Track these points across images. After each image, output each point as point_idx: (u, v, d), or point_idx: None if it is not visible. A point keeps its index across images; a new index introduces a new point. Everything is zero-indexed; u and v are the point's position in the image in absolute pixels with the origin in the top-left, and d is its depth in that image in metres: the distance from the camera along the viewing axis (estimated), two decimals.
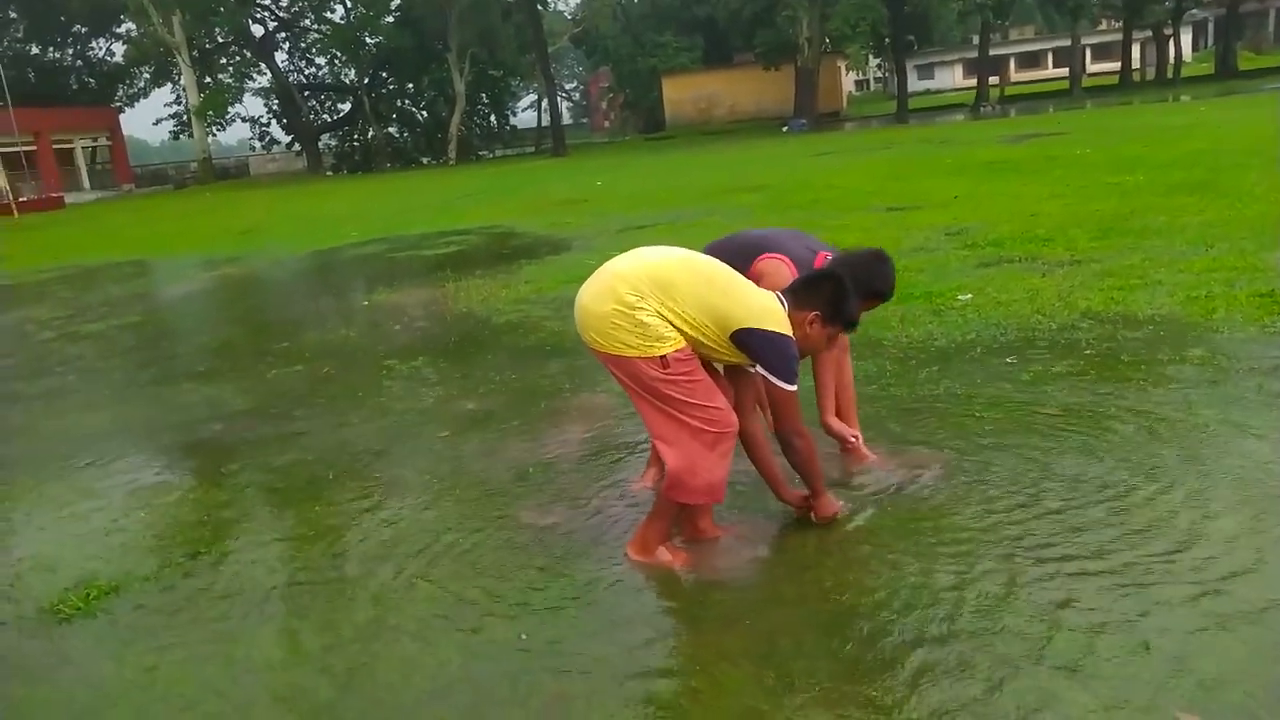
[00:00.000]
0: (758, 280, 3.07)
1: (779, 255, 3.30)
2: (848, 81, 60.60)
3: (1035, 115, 27.44)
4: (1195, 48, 59.71)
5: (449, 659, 2.55)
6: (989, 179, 12.22)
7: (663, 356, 2.68)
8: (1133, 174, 10.75)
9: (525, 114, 63.41)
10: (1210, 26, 51.59)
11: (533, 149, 48.72)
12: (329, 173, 43.56)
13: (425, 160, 44.67)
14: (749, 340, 2.75)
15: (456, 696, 2.39)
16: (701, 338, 2.73)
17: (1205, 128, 15.78)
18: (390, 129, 47.31)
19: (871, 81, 75.30)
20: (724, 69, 49.08)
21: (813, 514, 3.06)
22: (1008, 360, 4.61)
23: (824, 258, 3.33)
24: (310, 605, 2.92)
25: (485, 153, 47.10)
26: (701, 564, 2.93)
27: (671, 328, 2.70)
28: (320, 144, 46.83)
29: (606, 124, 65.02)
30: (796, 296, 2.87)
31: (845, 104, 51.54)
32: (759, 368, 2.79)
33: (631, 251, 2.86)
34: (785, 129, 35.49)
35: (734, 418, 2.81)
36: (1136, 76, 42.59)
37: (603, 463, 3.83)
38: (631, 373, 2.75)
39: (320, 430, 4.68)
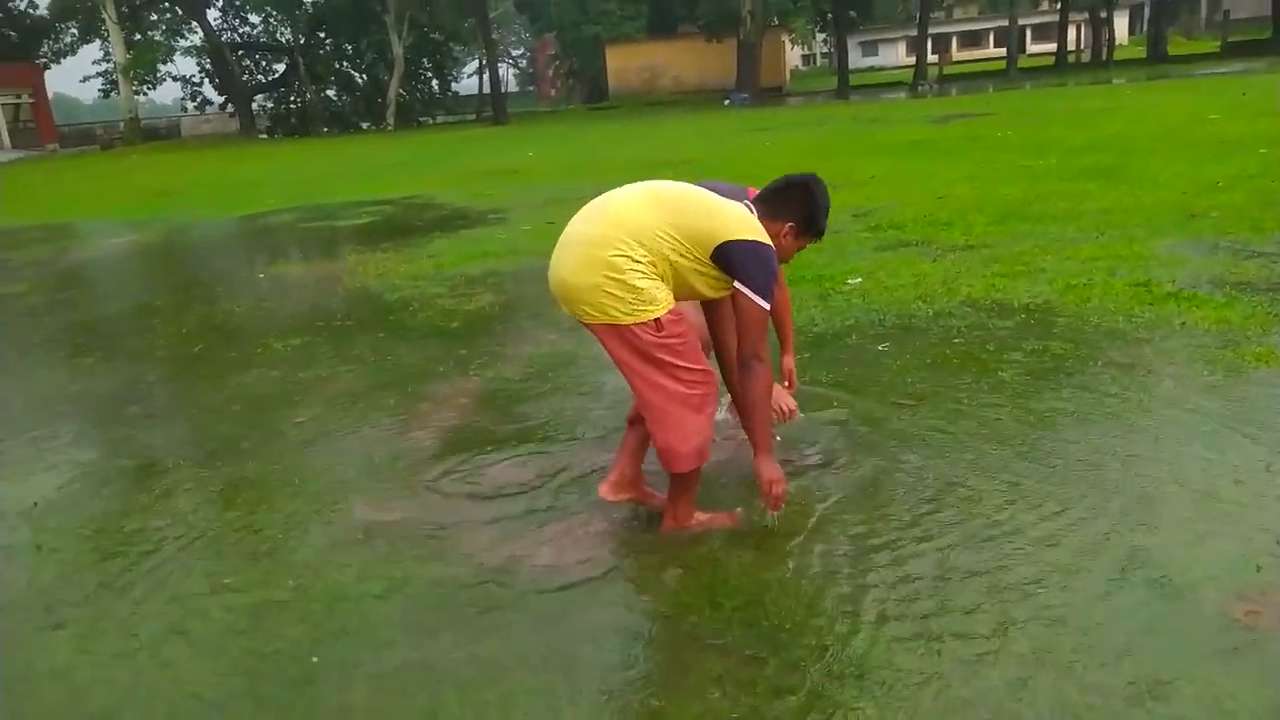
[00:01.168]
0: None
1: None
2: (793, 56, 60.62)
3: (970, 95, 27.67)
4: (1131, 31, 60.75)
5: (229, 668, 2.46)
6: (909, 159, 12.26)
7: (657, 319, 2.64)
8: (1046, 157, 10.86)
9: (470, 80, 62.42)
10: (1145, 10, 52.38)
11: (474, 116, 47.94)
12: (263, 135, 42.33)
13: (365, 125, 43.68)
14: (732, 253, 2.66)
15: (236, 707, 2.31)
16: (689, 264, 2.66)
17: (1125, 112, 16.00)
18: (328, 92, 46.15)
19: (818, 57, 75.31)
20: (668, 40, 48.61)
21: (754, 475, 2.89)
22: (880, 348, 4.61)
23: (752, 193, 3.16)
24: (97, 612, 2.78)
25: (427, 119, 46.23)
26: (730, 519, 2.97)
27: (661, 285, 2.65)
28: (255, 106, 45.55)
29: (553, 92, 64.24)
30: (768, 206, 2.82)
31: (789, 79, 51.40)
32: (738, 283, 2.69)
33: (590, 210, 2.74)
34: (727, 102, 35.28)
35: (716, 376, 2.81)
36: (1072, 58, 43.11)
37: (460, 453, 3.74)
38: (626, 340, 2.68)
39: (171, 414, 4.51)
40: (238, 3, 45.21)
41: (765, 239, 2.71)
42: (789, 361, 3.50)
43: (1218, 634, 2.24)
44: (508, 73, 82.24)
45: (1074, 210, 7.64)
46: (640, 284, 2.61)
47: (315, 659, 2.46)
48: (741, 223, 2.70)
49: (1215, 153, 10.07)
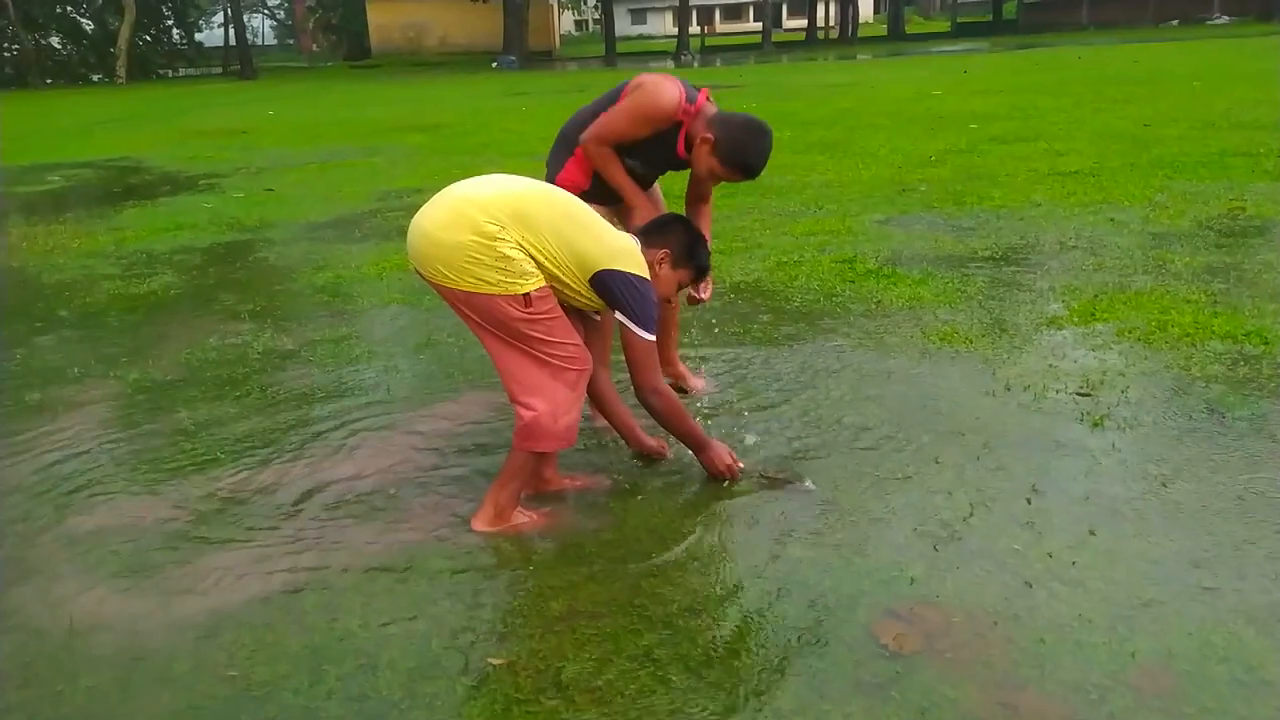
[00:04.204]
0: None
1: (670, 78, 2.96)
2: (565, 21, 60.12)
3: (730, 67, 28.28)
4: (876, 10, 64.70)
5: None
6: None
7: (526, 294, 2.43)
8: (781, 130, 10.94)
9: (220, 31, 57.40)
10: None
11: (221, 70, 44.20)
12: None
13: (96, 78, 39.21)
14: (610, 282, 2.53)
15: None
16: (562, 276, 2.51)
17: (861, 87, 16.74)
18: (52, 40, 41.05)
19: (590, 23, 75.22)
20: None
21: (707, 468, 2.84)
22: None
23: (705, 94, 2.98)
24: None
25: (167, 72, 42.20)
26: (559, 522, 2.70)
27: (533, 263, 2.45)
28: None
29: (315, 48, 60.36)
30: (648, 237, 2.71)
31: (558, 44, 50.94)
32: (619, 314, 2.57)
33: (483, 177, 2.59)
34: (495, 65, 34.43)
35: (589, 354, 2.62)
36: (822, 34, 45.26)
37: (64, 466, 3.11)
38: (487, 311, 2.46)
39: None
40: None
41: (645, 272, 2.59)
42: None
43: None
44: (263, 24, 76.70)
45: (799, 183, 7.71)
46: (511, 253, 2.41)
47: None
48: (626, 254, 2.57)
49: (932, 127, 10.59)
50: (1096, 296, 4.40)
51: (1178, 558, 2.36)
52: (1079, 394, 3.35)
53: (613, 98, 3.02)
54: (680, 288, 2.83)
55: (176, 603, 2.40)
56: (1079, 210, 6.20)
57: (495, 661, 2.09)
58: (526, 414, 2.53)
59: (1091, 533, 2.48)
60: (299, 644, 2.19)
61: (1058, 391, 3.38)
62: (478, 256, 2.40)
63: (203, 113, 19.11)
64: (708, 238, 3.26)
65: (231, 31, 44.33)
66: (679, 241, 2.73)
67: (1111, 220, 5.87)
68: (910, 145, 9.36)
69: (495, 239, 2.39)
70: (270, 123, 16.23)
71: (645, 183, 3.16)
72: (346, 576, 2.45)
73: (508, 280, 2.41)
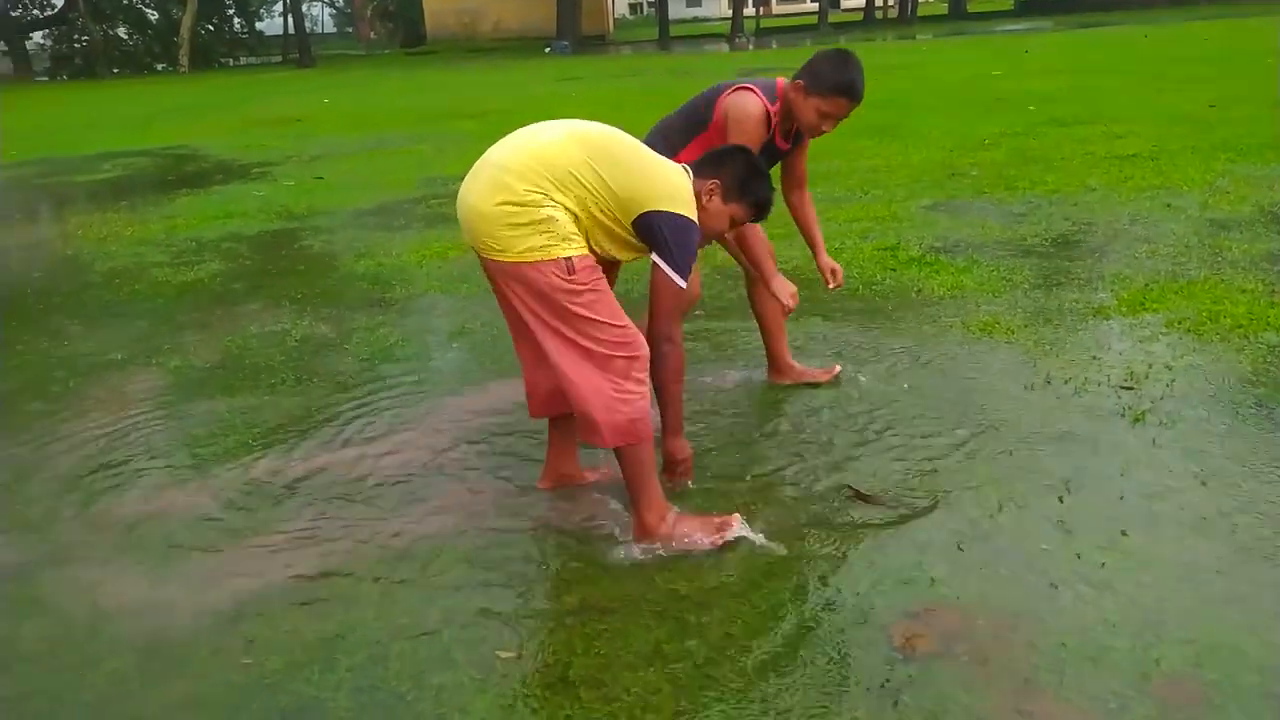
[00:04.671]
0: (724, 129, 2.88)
1: (747, 87, 2.92)
2: (620, 5, 59.93)
3: (786, 49, 27.92)
4: None
5: None
6: None
7: (568, 258, 2.31)
8: None
9: (279, 20, 58.31)
10: None
11: (281, 59, 44.89)
12: (42, 78, 38.26)
13: (160, 67, 40.08)
14: (653, 223, 2.37)
15: None
16: (606, 222, 2.36)
17: (918, 68, 16.39)
18: (119, 30, 42.04)
19: (644, 6, 74.86)
20: None
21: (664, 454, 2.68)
22: None
23: (781, 82, 2.95)
24: None
25: (228, 61, 42.99)
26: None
27: (575, 225, 2.33)
28: (33, 45, 41.01)
29: (372, 35, 61.06)
30: (700, 168, 2.54)
31: (612, 28, 50.76)
32: (656, 257, 2.41)
33: (515, 138, 2.42)
34: (548, 50, 34.42)
35: (643, 340, 2.42)
36: (880, 14, 44.46)
37: (99, 452, 3.18)
38: (529, 283, 2.33)
39: None
40: None
41: (692, 213, 2.42)
42: (825, 260, 3.27)
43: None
44: (323, 12, 77.69)
45: (847, 168, 7.58)
46: (551, 213, 2.30)
47: None
48: (674, 191, 2.40)
49: (988, 109, 10.34)
50: (1147, 285, 4.25)
51: (1211, 562, 2.27)
52: (1122, 388, 3.24)
53: (700, 114, 2.95)
54: (734, 223, 2.60)
55: (201, 589, 2.43)
56: (1135, 195, 5.99)
57: (504, 655, 2.08)
58: (576, 409, 2.41)
59: (1124, 533, 2.40)
60: (314, 633, 2.21)
61: (1099, 385, 3.27)
62: (516, 221, 2.29)
63: (260, 101, 19.41)
64: (813, 227, 3.29)
65: (291, 20, 45.06)
66: (732, 173, 2.52)
67: (1168, 206, 5.67)
68: (964, 128, 9.15)
69: (529, 201, 2.29)
70: (325, 111, 16.44)
71: None
72: (366, 566, 2.47)
73: (550, 243, 2.29)
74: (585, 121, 2.46)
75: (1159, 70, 13.10)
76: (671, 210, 2.37)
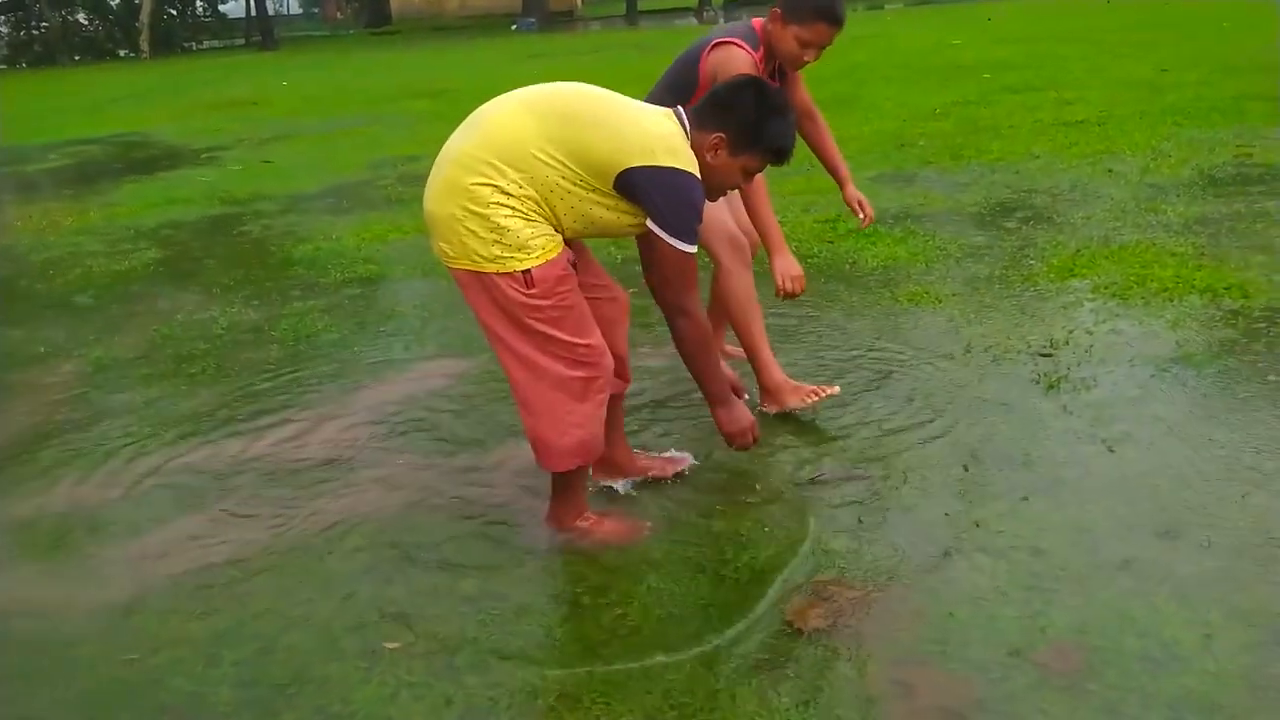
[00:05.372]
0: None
1: (728, 40, 2.72)
2: None
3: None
4: None
5: None
6: None
7: (526, 272, 2.07)
8: None
9: (244, 2, 57.36)
10: None
11: (244, 41, 44.21)
12: (0, 66, 37.54)
13: (123, 53, 39.37)
14: (635, 183, 2.07)
15: None
16: (588, 195, 2.10)
17: (879, 39, 16.28)
18: (79, 16, 41.26)
19: None
20: None
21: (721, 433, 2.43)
22: None
23: (758, 22, 2.80)
24: None
25: (190, 45, 42.31)
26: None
27: (540, 226, 2.09)
28: None
29: (339, 15, 60.20)
30: (699, 115, 2.19)
31: (580, 3, 50.30)
32: (650, 222, 2.13)
33: (468, 121, 2.17)
34: (514, 27, 34.07)
35: (609, 359, 2.22)
36: None
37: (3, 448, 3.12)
38: (489, 294, 2.12)
39: None
40: None
41: (685, 163, 2.11)
42: (852, 191, 3.12)
43: None
44: None
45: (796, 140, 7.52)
46: (507, 223, 2.06)
47: None
48: (652, 142, 2.09)
49: (945, 79, 10.30)
50: (1078, 251, 4.25)
51: (1111, 527, 2.26)
52: (1040, 354, 3.23)
53: (684, 77, 2.77)
54: (749, 175, 2.27)
55: (98, 586, 2.39)
56: (1077, 161, 5.99)
57: (390, 645, 2.05)
58: (528, 431, 2.25)
59: (1025, 499, 2.39)
60: (204, 627, 2.17)
61: (1019, 353, 3.27)
62: (472, 228, 2.08)
63: (218, 85, 19.09)
64: (834, 157, 3.09)
65: (252, 2, 44.34)
66: (740, 119, 2.16)
67: (1109, 171, 5.67)
68: (919, 98, 9.11)
69: (486, 204, 2.06)
70: (282, 93, 16.20)
71: None
72: (265, 557, 2.43)
73: (505, 254, 2.07)
74: (540, 85, 2.20)
75: (1117, 36, 13.10)
76: (653, 164, 2.07)
